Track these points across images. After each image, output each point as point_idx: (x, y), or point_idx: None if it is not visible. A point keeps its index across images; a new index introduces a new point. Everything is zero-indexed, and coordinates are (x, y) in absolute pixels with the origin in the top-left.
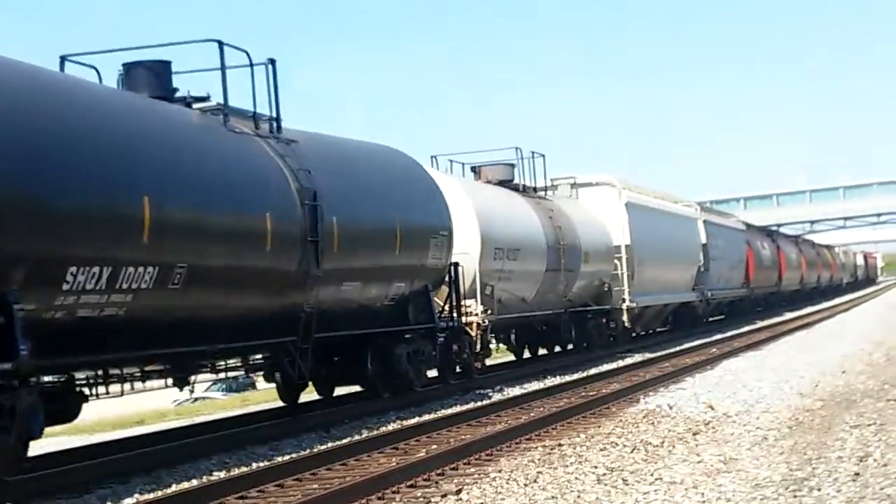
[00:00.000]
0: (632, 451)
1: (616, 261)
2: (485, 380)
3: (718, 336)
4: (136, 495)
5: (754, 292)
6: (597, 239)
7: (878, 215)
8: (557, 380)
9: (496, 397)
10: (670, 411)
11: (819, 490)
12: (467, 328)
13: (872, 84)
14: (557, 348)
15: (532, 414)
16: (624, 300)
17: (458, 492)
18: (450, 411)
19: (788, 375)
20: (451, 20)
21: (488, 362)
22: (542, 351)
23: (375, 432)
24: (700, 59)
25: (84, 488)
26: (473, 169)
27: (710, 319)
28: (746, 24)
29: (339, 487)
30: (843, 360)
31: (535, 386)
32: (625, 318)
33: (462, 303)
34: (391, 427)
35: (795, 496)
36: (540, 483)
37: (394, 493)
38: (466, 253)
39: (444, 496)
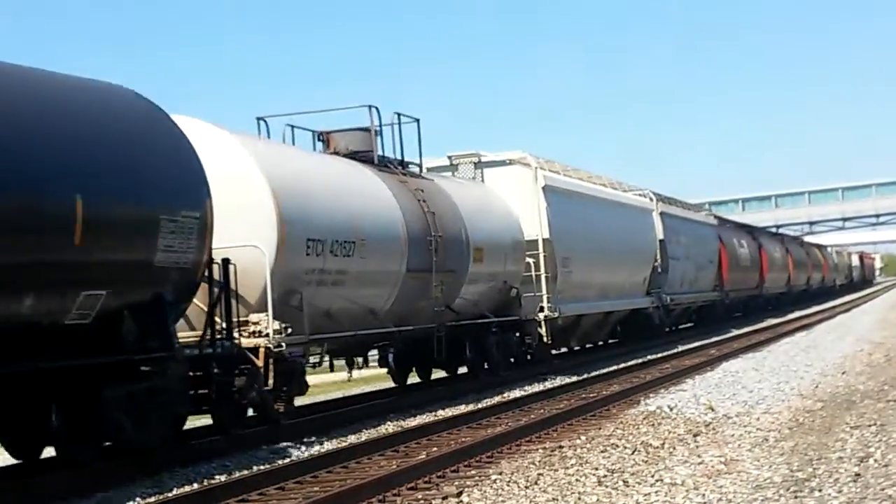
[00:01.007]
0: (632, 453)
1: (530, 260)
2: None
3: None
4: (138, 499)
5: (729, 296)
6: (498, 231)
7: (877, 216)
8: (558, 381)
9: (496, 399)
10: (671, 413)
11: (820, 491)
12: (252, 354)
13: (871, 84)
14: (460, 370)
15: (532, 416)
16: (542, 308)
17: (459, 494)
18: (450, 413)
19: (788, 376)
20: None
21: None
22: (440, 374)
23: (375, 434)
24: (696, 60)
25: (85, 492)
26: (321, 137)
27: (674, 328)
28: (743, 25)
29: (340, 490)
30: (843, 361)
31: (535, 388)
32: (543, 331)
33: (248, 318)
34: (391, 429)
35: (796, 497)
36: (541, 485)
37: (394, 495)
38: (254, 246)
39: (444, 498)
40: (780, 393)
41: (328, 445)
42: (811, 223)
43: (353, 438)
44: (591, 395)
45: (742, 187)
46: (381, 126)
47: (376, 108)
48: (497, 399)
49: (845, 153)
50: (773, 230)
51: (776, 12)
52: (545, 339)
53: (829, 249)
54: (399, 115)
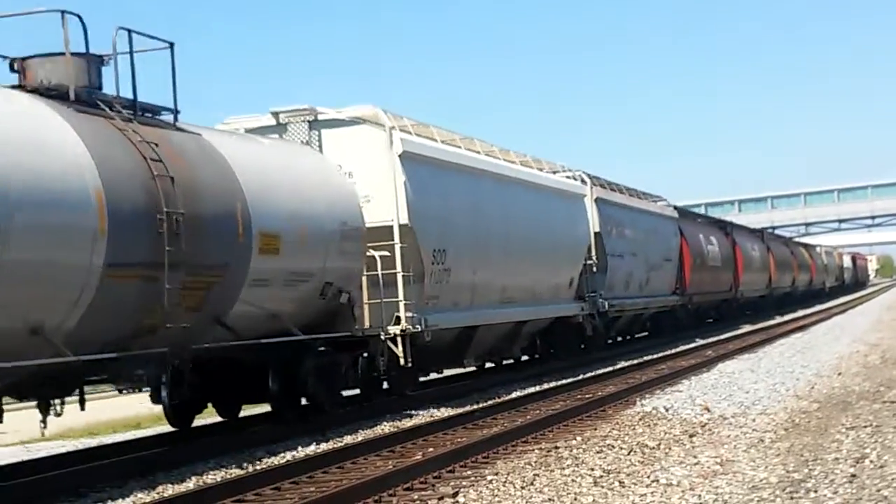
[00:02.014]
0: (628, 454)
1: (376, 254)
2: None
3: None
4: (132, 499)
5: (693, 300)
6: (313, 213)
7: (873, 217)
8: (553, 383)
9: (493, 400)
10: (666, 413)
11: (815, 492)
12: None
13: (867, 86)
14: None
15: (528, 416)
16: (400, 319)
17: (455, 494)
18: (446, 414)
19: (784, 377)
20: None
21: None
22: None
23: (371, 435)
24: (691, 62)
25: (79, 492)
26: (14, 66)
27: (620, 339)
28: (740, 26)
29: (336, 490)
30: (838, 362)
31: (531, 389)
32: (400, 351)
33: None
34: (387, 430)
35: (792, 498)
36: (537, 485)
37: (390, 495)
38: None
39: (440, 499)
40: (775, 394)
41: (324, 446)
42: (807, 224)
43: (349, 439)
44: (587, 395)
45: (738, 189)
46: (115, 54)
47: (80, 21)
48: (493, 400)
49: (841, 155)
50: (764, 229)
51: (773, 13)
52: (404, 361)
53: (818, 249)
54: (130, 32)
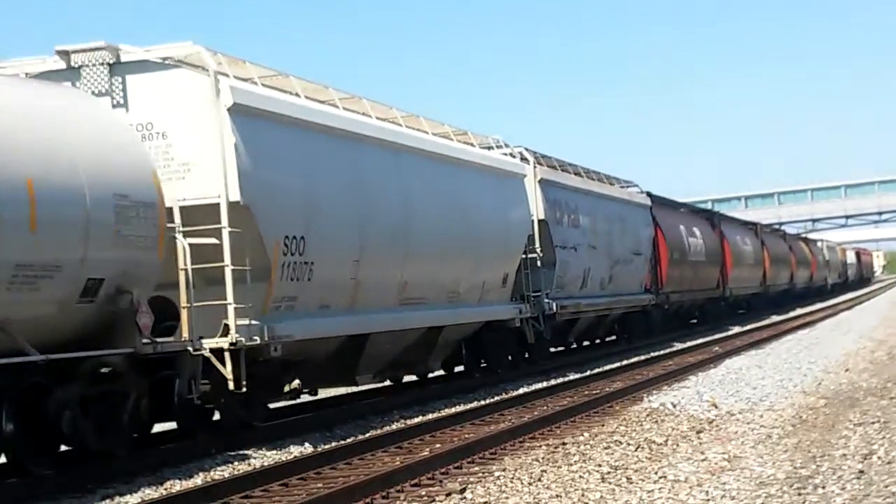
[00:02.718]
0: (636, 450)
1: (184, 243)
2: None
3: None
4: (141, 495)
5: (670, 299)
6: (57, 180)
7: (880, 213)
8: (561, 379)
9: (499, 396)
10: (674, 409)
11: (823, 488)
12: None
13: (873, 82)
14: None
15: (536, 412)
16: (227, 330)
17: (463, 490)
18: (453, 410)
19: (791, 373)
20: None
21: None
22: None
23: (379, 431)
24: (698, 59)
25: (87, 488)
26: None
27: (576, 346)
28: (748, 23)
29: (344, 486)
30: (845, 358)
31: (538, 385)
32: (229, 371)
33: None
34: (395, 426)
35: (800, 494)
36: (544, 481)
37: (398, 491)
38: None
39: (448, 495)
40: (783, 390)
41: (332, 442)
42: (814, 220)
43: (357, 435)
44: (594, 391)
45: (745, 185)
46: None
47: None
48: (500, 396)
49: (848, 151)
50: (758, 222)
51: (780, 9)
52: (234, 384)
53: (819, 244)
54: None
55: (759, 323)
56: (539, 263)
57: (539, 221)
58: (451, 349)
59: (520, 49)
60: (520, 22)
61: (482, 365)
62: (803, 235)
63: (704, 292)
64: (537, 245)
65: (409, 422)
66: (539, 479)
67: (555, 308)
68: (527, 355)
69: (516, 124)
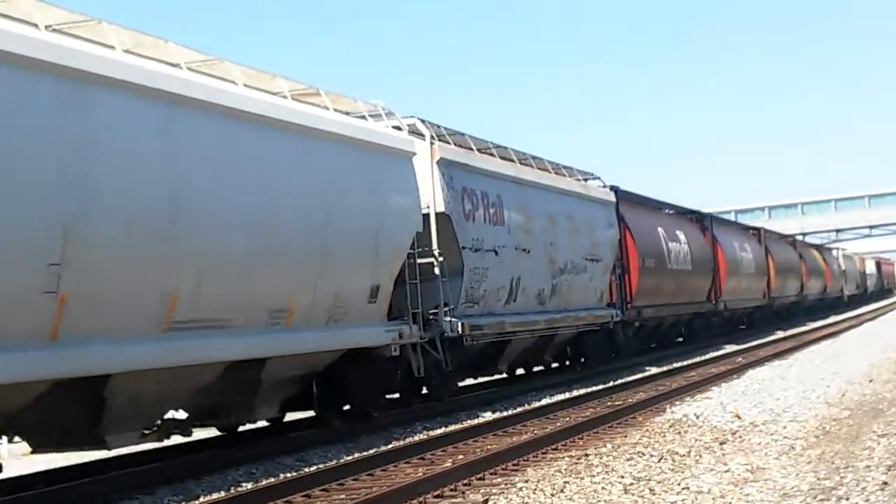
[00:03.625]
0: (658, 461)
1: None
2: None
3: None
4: None
5: (643, 315)
6: None
7: None
8: (583, 390)
9: (522, 407)
10: (697, 420)
11: (847, 499)
12: None
13: None
14: None
15: (558, 424)
16: None
17: (485, 502)
18: (476, 421)
19: (815, 384)
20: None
21: None
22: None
23: (402, 443)
24: (719, 67)
25: (110, 498)
26: None
27: (515, 373)
28: (770, 34)
29: (366, 497)
30: (869, 369)
31: (560, 396)
32: None
33: None
34: (417, 437)
35: None
36: (567, 493)
37: (420, 502)
38: None
39: None
40: (806, 401)
41: (355, 453)
42: (837, 231)
43: (380, 446)
44: (617, 403)
45: (768, 196)
46: None
47: None
48: (522, 407)
49: (872, 160)
50: (762, 228)
51: (802, 22)
52: None
53: (834, 252)
54: None
55: (759, 340)
56: (437, 271)
57: (438, 215)
58: (290, 389)
59: (523, 51)
60: (521, 21)
61: (346, 408)
62: (815, 243)
63: (691, 306)
64: (435, 246)
65: (431, 433)
66: (562, 491)
67: (460, 329)
68: (425, 390)
69: (527, 136)
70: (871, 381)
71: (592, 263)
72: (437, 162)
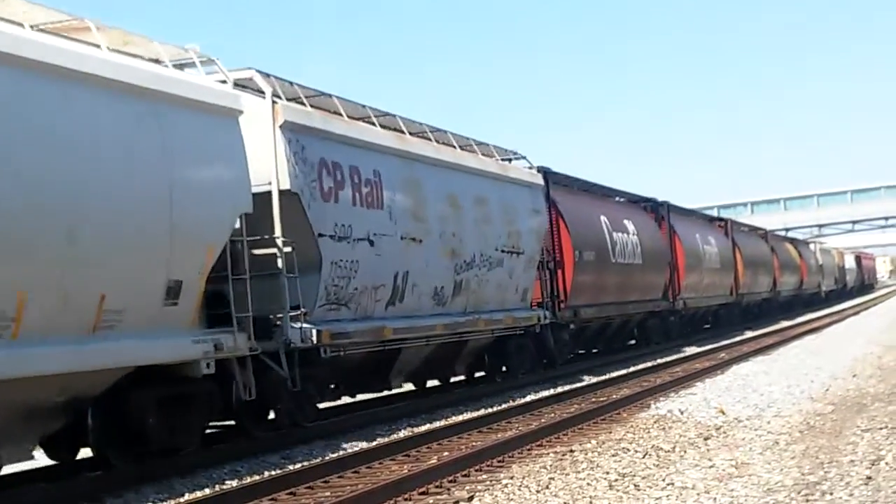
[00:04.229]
0: (643, 457)
1: None
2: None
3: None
4: (149, 503)
5: (581, 316)
6: None
7: (886, 218)
8: (568, 386)
9: (507, 404)
10: (681, 416)
11: (831, 494)
12: None
13: (879, 86)
14: None
15: (543, 420)
16: None
17: (471, 499)
18: (461, 418)
19: (799, 379)
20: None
21: None
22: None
23: (386, 439)
24: (701, 64)
25: (97, 497)
26: None
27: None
28: (750, 29)
29: (352, 495)
30: (853, 364)
31: (545, 392)
32: None
33: None
34: (402, 434)
35: (808, 500)
36: (552, 489)
37: (406, 500)
38: None
39: (456, 503)
40: (790, 396)
41: (339, 451)
42: (820, 226)
43: (364, 443)
44: (602, 398)
45: (751, 191)
46: None
47: None
48: (507, 404)
49: (854, 156)
50: (728, 219)
51: (784, 14)
52: None
53: (811, 246)
54: None
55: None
56: (281, 264)
57: (282, 194)
58: (44, 421)
59: (520, 57)
60: (524, 19)
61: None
62: (790, 237)
63: (643, 305)
64: (278, 232)
65: (416, 430)
66: (547, 487)
67: (315, 337)
68: (272, 415)
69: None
70: (854, 375)
71: (512, 257)
72: (281, 126)
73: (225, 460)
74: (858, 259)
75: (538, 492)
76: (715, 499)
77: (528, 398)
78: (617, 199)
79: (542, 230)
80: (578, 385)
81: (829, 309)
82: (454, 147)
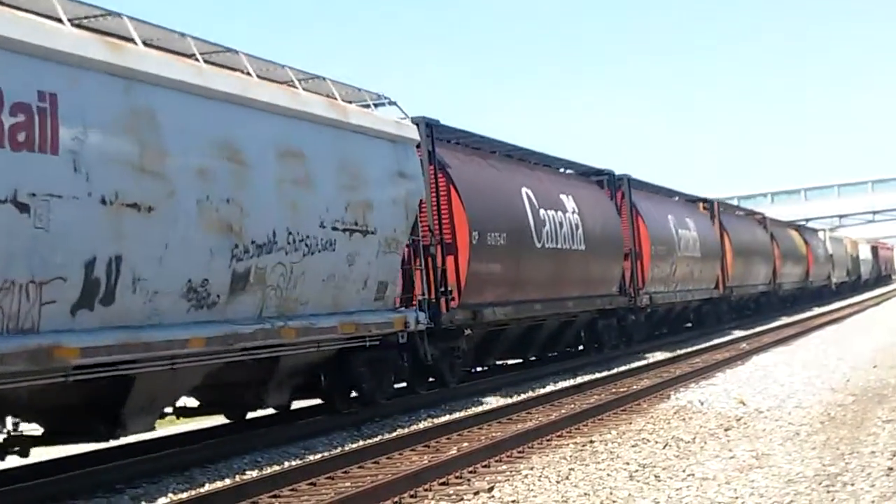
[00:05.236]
0: (663, 448)
1: None
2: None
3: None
4: (170, 495)
5: (481, 319)
6: None
7: None
8: (588, 377)
9: (527, 394)
10: (701, 407)
11: (852, 485)
12: None
13: None
14: None
15: (563, 411)
16: None
17: (491, 489)
18: (481, 409)
19: (819, 370)
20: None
21: None
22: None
23: (407, 430)
24: (721, 54)
25: (115, 488)
26: None
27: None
28: (766, 18)
29: (372, 485)
30: (873, 355)
31: (565, 383)
32: None
33: None
34: (422, 425)
35: (828, 491)
36: (572, 480)
37: (426, 490)
38: None
39: (476, 493)
40: (811, 387)
41: (359, 441)
42: (841, 216)
43: (385, 434)
44: (622, 389)
45: (771, 182)
46: None
47: None
48: (527, 394)
49: (874, 146)
50: (715, 200)
51: (805, 7)
52: None
53: (820, 234)
54: None
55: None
56: None
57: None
58: None
59: (526, 44)
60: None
61: None
62: (792, 222)
63: (589, 301)
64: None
65: (436, 420)
66: (567, 478)
67: None
68: None
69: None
70: (875, 366)
71: (356, 237)
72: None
73: (245, 451)
74: (875, 249)
75: (558, 482)
76: (735, 490)
77: (549, 388)
78: (552, 168)
79: (413, 202)
80: (599, 375)
81: (840, 303)
82: (247, 74)
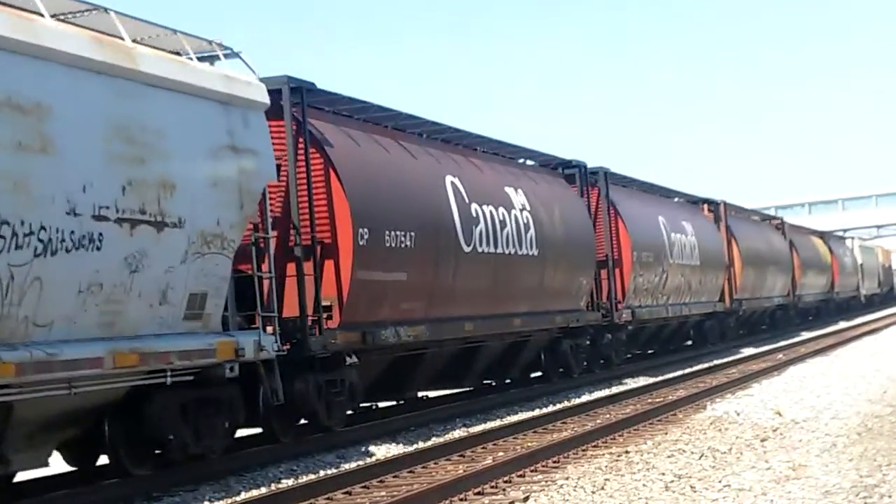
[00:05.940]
0: (699, 458)
1: None
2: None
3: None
4: (206, 503)
5: (375, 343)
6: None
7: None
8: (623, 387)
9: (562, 404)
10: (738, 418)
11: (890, 497)
12: None
13: None
14: None
15: (598, 421)
16: None
17: (526, 499)
18: (516, 418)
19: (856, 381)
20: None
21: None
22: None
23: (441, 439)
24: (758, 61)
25: (152, 496)
26: None
27: None
28: (806, 28)
29: (407, 495)
30: None
31: (600, 393)
32: None
33: None
34: (457, 434)
35: (866, 503)
36: (607, 490)
37: (461, 500)
38: None
39: (511, 503)
40: (848, 398)
41: (395, 450)
42: (878, 227)
43: (420, 443)
44: (658, 399)
45: (809, 192)
46: None
47: None
48: (562, 404)
49: None
50: (722, 202)
51: (842, 16)
52: None
53: (847, 242)
54: None
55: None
56: None
57: None
58: None
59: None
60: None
61: None
62: (819, 230)
63: (538, 319)
64: None
65: (471, 430)
66: (602, 488)
67: None
68: None
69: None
70: None
71: (143, 232)
72: None
73: (280, 459)
74: None
75: (594, 493)
76: (772, 501)
77: (584, 399)
78: (501, 157)
79: (253, 185)
80: (633, 386)
81: (869, 316)
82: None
